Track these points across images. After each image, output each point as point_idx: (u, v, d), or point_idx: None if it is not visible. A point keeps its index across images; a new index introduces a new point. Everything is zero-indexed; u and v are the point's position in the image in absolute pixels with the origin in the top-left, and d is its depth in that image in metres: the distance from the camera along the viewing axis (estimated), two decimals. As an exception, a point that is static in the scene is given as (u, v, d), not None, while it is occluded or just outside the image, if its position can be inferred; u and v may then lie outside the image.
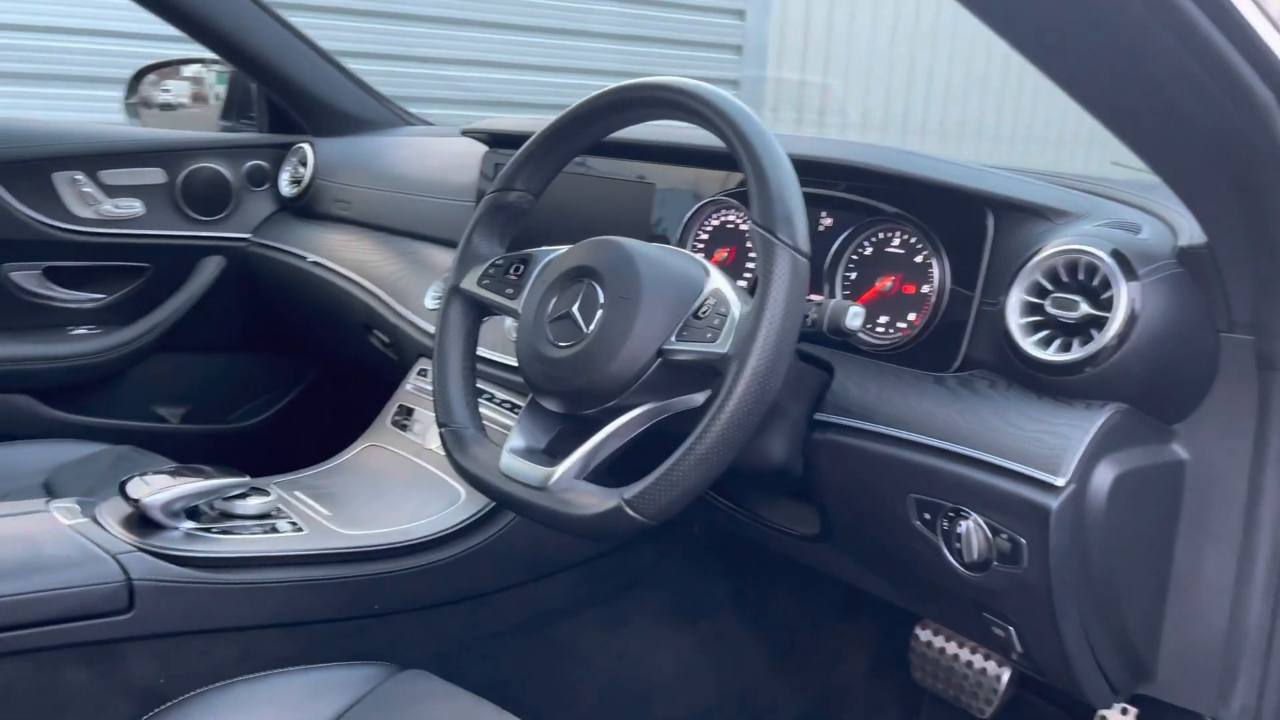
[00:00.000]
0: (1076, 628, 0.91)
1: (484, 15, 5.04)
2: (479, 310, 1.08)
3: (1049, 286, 0.91)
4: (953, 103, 7.02)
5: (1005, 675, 1.31)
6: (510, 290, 1.04)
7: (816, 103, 6.74)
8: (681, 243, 1.25)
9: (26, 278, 1.84)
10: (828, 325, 0.92)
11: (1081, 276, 0.90)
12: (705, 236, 1.25)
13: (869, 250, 1.10)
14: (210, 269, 1.95)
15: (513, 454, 0.96)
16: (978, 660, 1.40)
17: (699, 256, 0.98)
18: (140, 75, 2.11)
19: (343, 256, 1.78)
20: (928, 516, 0.97)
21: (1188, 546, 0.93)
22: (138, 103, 2.12)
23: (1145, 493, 0.90)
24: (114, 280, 1.91)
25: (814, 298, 1.13)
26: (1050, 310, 0.90)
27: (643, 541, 1.43)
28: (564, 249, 1.03)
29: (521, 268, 1.05)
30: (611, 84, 0.99)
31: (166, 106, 2.17)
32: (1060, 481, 0.85)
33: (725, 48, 6.18)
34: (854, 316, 0.91)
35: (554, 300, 0.98)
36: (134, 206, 1.89)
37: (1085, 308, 0.88)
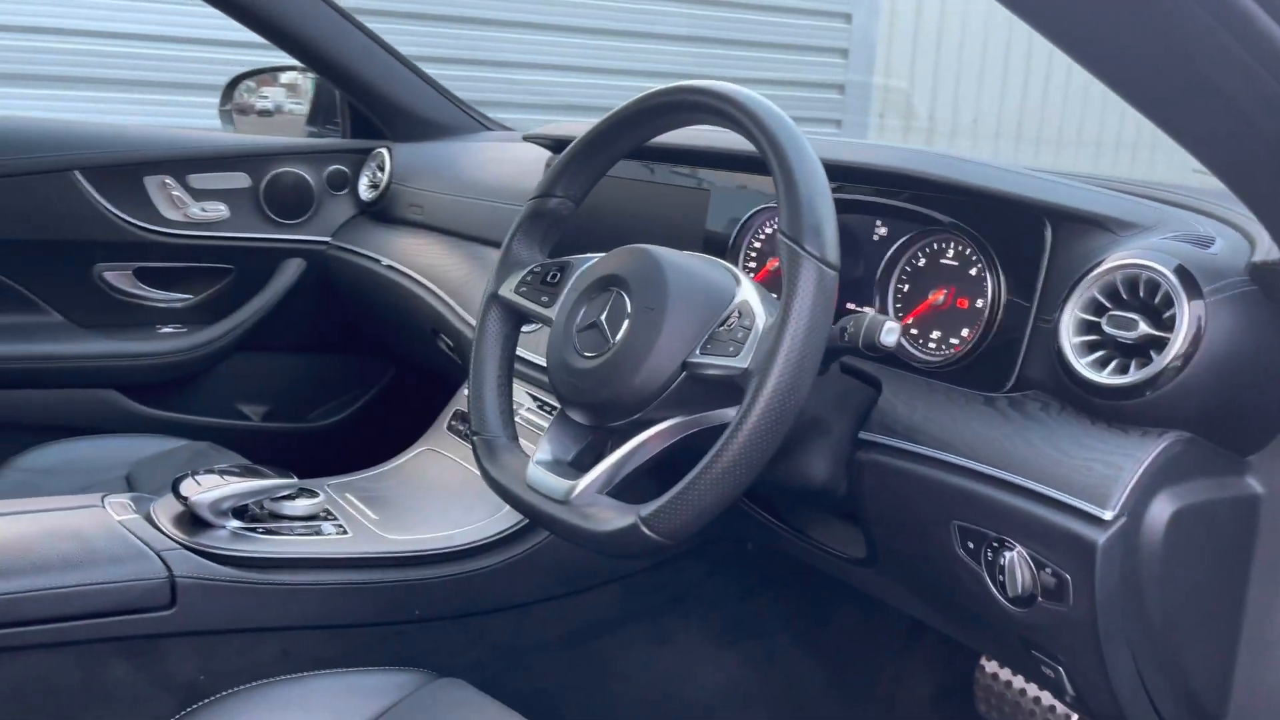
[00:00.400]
0: (1130, 673, 0.85)
1: (579, 21, 5.07)
2: (517, 317, 1.07)
3: (1107, 304, 0.85)
4: (1071, 110, 6.75)
5: (1075, 714, 1.23)
6: (546, 298, 1.02)
7: (925, 108, 6.58)
8: (734, 250, 1.22)
9: (119, 277, 1.92)
10: (863, 340, 0.87)
11: (1142, 294, 0.83)
12: (758, 244, 1.21)
13: (922, 262, 1.05)
14: (291, 271, 2.00)
15: (539, 465, 0.95)
16: (1046, 696, 1.32)
17: (731, 265, 0.95)
18: (234, 82, 2.18)
19: (414, 260, 1.80)
20: (971, 545, 0.91)
21: (1262, 588, 0.85)
22: (231, 109, 2.19)
23: (1211, 529, 0.83)
24: (200, 281, 1.97)
25: (865, 310, 1.08)
26: (1107, 329, 0.84)
27: (691, 557, 1.40)
28: (600, 256, 1.01)
29: (558, 275, 1.03)
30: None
31: (264, 113, 2.24)
32: (1107, 514, 0.79)
33: (830, 51, 6.07)
34: (889, 333, 0.86)
35: (584, 309, 0.96)
36: (220, 210, 1.94)
37: (1144, 327, 0.81)
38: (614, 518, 0.85)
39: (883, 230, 1.08)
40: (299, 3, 1.79)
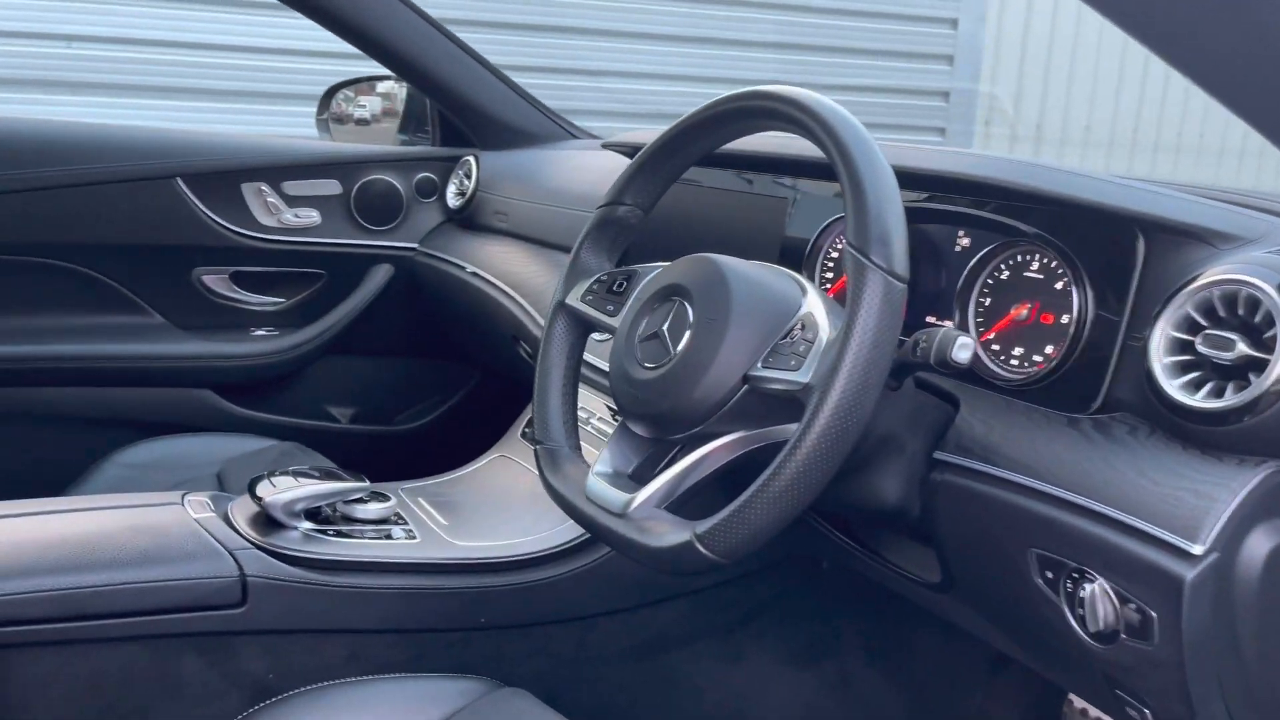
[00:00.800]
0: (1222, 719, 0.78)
1: (677, 29, 5.05)
2: (583, 326, 1.05)
3: (1202, 322, 0.79)
4: (1191, 119, 6.44)
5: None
6: (611, 307, 1.01)
7: (1033, 116, 6.37)
8: (810, 260, 1.18)
9: (216, 281, 1.97)
10: (935, 356, 0.83)
11: (1241, 312, 0.77)
12: (836, 254, 1.18)
13: (1005, 275, 1.00)
14: (379, 276, 2.03)
15: (598, 477, 0.93)
16: (1139, 737, 1.25)
17: (798, 275, 0.92)
18: (331, 92, 2.23)
19: (497, 268, 1.81)
20: (1050, 575, 0.86)
21: None
22: (328, 118, 2.24)
23: None
24: (292, 285, 2.02)
25: (942, 324, 1.04)
26: (1202, 349, 0.78)
27: (764, 574, 1.36)
28: (666, 265, 0.99)
29: (625, 284, 1.01)
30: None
31: (362, 121, 2.29)
32: (1197, 549, 0.73)
33: (935, 58, 5.94)
34: (962, 348, 0.82)
35: (646, 319, 0.94)
36: (312, 216, 1.99)
37: (1243, 348, 0.76)
38: (669, 533, 0.83)
39: (965, 241, 1.03)
40: (392, 14, 1.82)
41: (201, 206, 1.90)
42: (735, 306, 0.86)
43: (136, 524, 1.14)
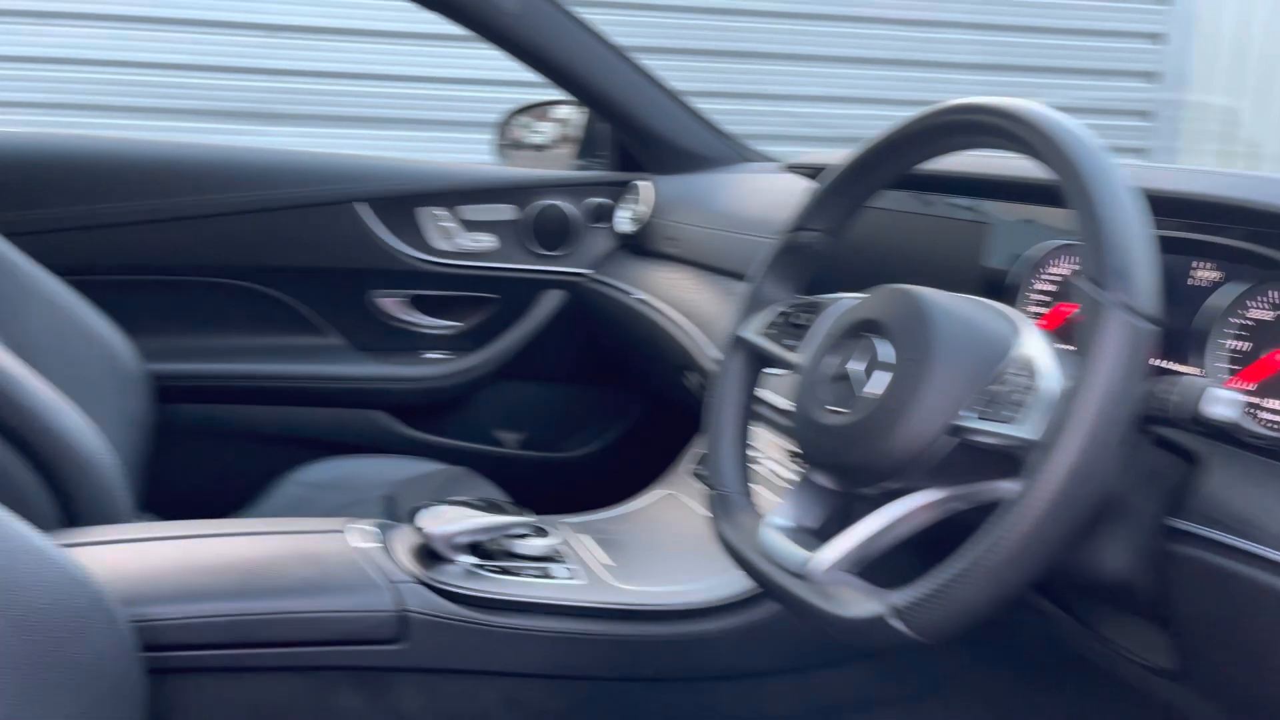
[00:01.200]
0: None
1: (864, 52, 4.93)
2: (760, 362, 0.97)
3: None
4: None
5: None
6: (792, 342, 0.92)
7: (1247, 133, 5.87)
8: (1014, 293, 1.06)
9: (394, 304, 2.00)
10: (1183, 410, 0.70)
11: None
12: (1045, 287, 1.05)
13: (1260, 314, 0.85)
14: (551, 302, 2.01)
15: (777, 530, 0.85)
16: None
17: (1011, 311, 0.80)
18: (509, 118, 2.24)
19: (666, 294, 1.75)
20: (1326, 678, 0.71)
21: None
22: (507, 144, 2.25)
23: None
24: (466, 309, 2.02)
25: (1186, 371, 0.90)
26: None
27: (956, 639, 1.23)
28: (855, 297, 0.89)
29: (808, 317, 0.93)
30: None
31: (539, 147, 2.29)
32: None
33: (1136, 75, 5.57)
34: (1216, 402, 0.69)
35: (834, 357, 0.85)
36: (487, 241, 1.99)
37: None
38: (858, 602, 0.74)
39: (1211, 274, 0.89)
40: (572, 39, 1.81)
41: (381, 231, 1.93)
42: (939, 346, 0.76)
43: (301, 551, 1.13)
